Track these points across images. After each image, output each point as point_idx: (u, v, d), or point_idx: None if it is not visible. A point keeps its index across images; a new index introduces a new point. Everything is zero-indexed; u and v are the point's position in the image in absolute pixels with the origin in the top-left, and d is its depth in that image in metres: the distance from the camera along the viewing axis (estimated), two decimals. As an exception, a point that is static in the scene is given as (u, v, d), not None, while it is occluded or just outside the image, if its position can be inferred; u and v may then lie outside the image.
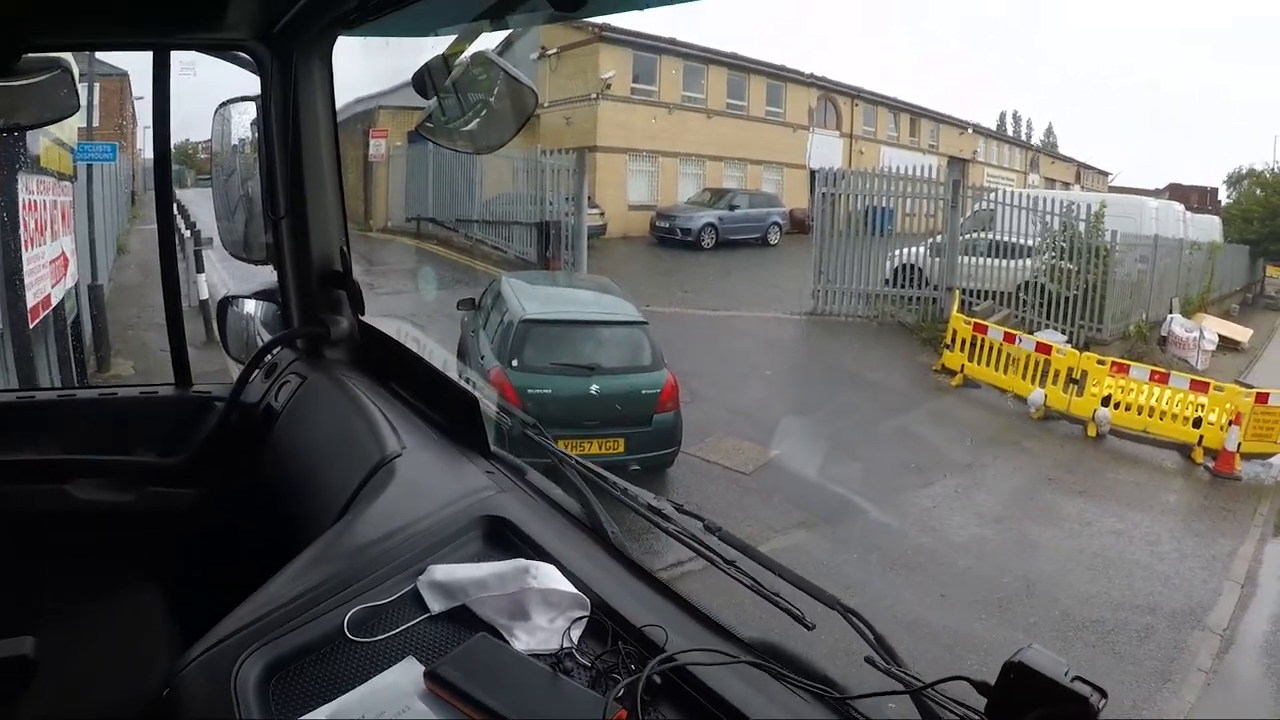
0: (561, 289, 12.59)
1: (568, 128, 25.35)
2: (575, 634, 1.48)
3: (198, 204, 16.95)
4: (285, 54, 2.74)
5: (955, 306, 15.38)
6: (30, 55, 2.50)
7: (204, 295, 13.10)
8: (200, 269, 13.67)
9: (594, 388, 8.72)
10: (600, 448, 8.25)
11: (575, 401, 8.61)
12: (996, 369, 13.81)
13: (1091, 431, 12.39)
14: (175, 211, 3.46)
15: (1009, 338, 13.86)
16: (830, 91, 30.55)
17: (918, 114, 32.50)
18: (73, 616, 1.74)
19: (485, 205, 22.65)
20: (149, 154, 27.34)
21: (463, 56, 1.95)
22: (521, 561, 1.62)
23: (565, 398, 8.65)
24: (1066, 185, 31.83)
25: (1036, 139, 37.24)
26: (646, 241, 25.11)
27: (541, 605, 1.53)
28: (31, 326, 9.04)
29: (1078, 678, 1.11)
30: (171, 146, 3.23)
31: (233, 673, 1.38)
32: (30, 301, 8.92)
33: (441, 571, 1.60)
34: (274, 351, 3.02)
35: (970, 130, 33.28)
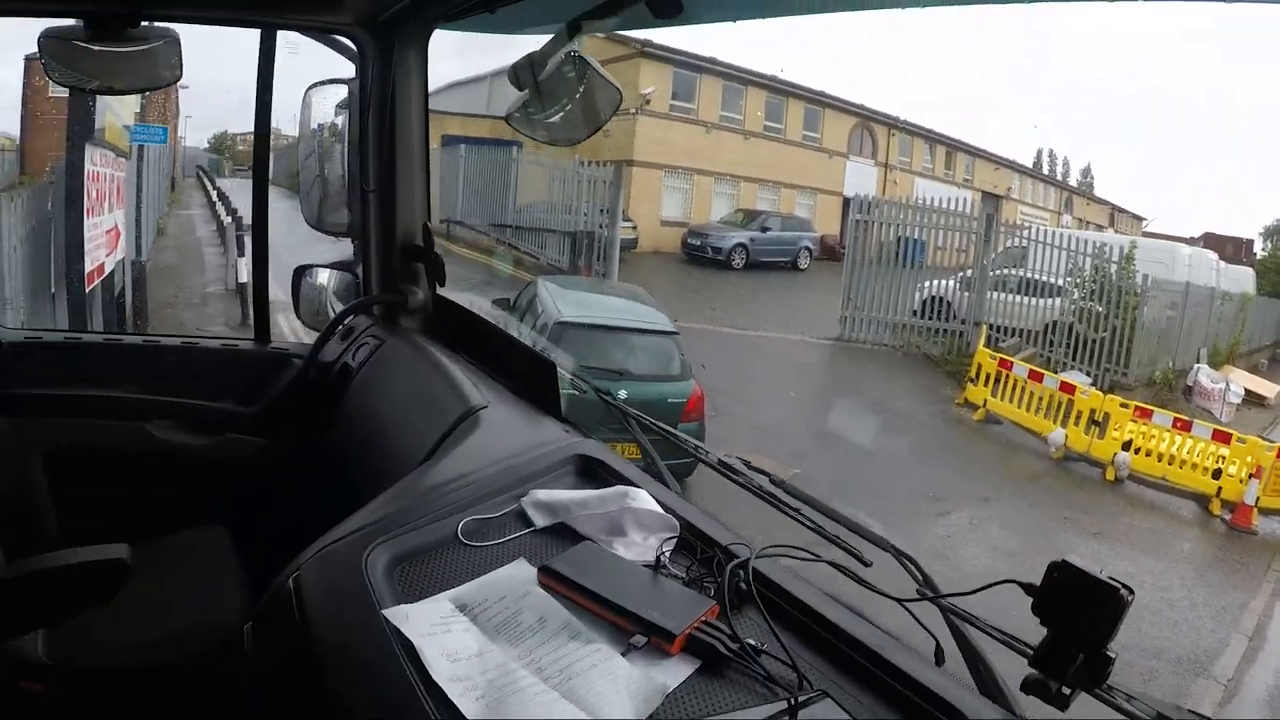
0: (596, 295, 12.61)
1: (605, 140, 25.41)
2: (667, 550, 1.63)
3: (235, 194, 17.57)
4: (387, 41, 2.93)
5: (982, 341, 15.40)
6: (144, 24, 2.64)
7: (243, 279, 13.26)
8: (241, 253, 13.80)
9: (622, 393, 8.45)
10: (624, 451, 7.96)
11: (603, 404, 8.43)
12: (1019, 406, 13.74)
13: (1110, 475, 12.30)
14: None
15: (1034, 375, 13.80)
16: (868, 119, 30.58)
17: (954, 147, 32.41)
18: (144, 547, 1.94)
19: (519, 212, 22.76)
20: (189, 142, 27.75)
21: (557, 55, 2.07)
22: (620, 486, 1.79)
23: (593, 400, 8.45)
24: (1100, 227, 31.51)
25: (1073, 179, 37.03)
26: (677, 258, 25.17)
27: (636, 525, 1.69)
28: (88, 290, 9.48)
29: (1110, 576, 1.22)
30: (271, 127, 3.42)
31: (363, 559, 1.54)
32: (87, 267, 9.42)
33: (544, 494, 1.77)
34: (351, 317, 3.21)
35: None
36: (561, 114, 2.12)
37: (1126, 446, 12.39)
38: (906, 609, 1.52)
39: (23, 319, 8.46)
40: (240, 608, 2.38)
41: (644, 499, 1.74)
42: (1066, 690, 1.25)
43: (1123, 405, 12.81)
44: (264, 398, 3.19)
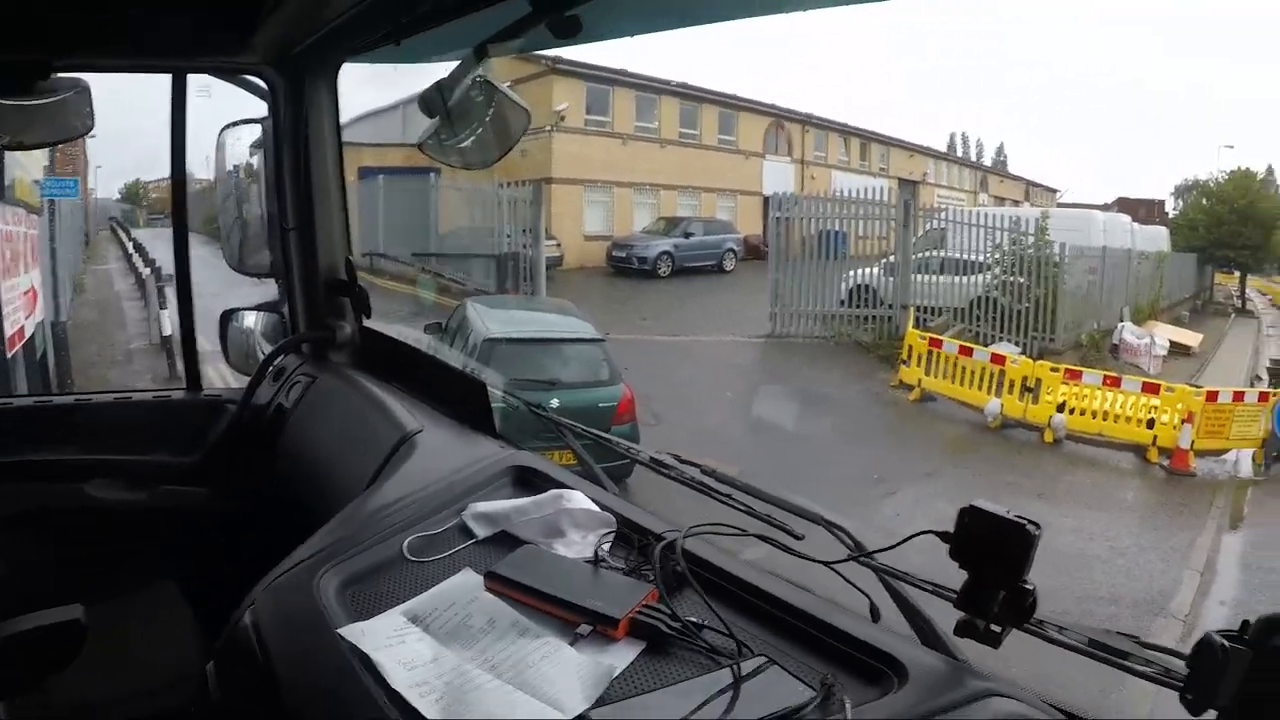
0: (523, 311, 13.14)
1: (523, 160, 25.27)
2: (605, 545, 1.72)
3: (151, 243, 17.24)
4: (297, 78, 2.98)
5: (910, 323, 15.63)
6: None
7: (167, 331, 13.01)
8: (163, 305, 13.60)
9: (554, 402, 8.70)
10: (560, 458, 7.96)
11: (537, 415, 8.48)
12: (953, 382, 13.97)
13: (1048, 437, 12.57)
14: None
15: (964, 351, 14.07)
16: (781, 118, 30.81)
17: (868, 138, 32.75)
18: (95, 608, 1.90)
19: (442, 239, 22.58)
20: (101, 193, 27.21)
21: (464, 80, 2.11)
22: (554, 490, 1.87)
23: (527, 411, 8.46)
24: (1016, 203, 32.19)
25: (987, 159, 37.79)
26: (603, 271, 25.12)
27: (573, 524, 1.77)
28: (9, 356, 9.15)
29: (1017, 515, 1.28)
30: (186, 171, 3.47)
31: (314, 584, 1.61)
32: (7, 331, 9.11)
33: (484, 505, 1.84)
34: (280, 357, 3.22)
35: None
36: (473, 138, 2.18)
37: (1061, 408, 12.68)
38: (836, 571, 1.58)
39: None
40: (199, 656, 2.34)
41: (579, 499, 1.83)
42: (996, 628, 1.31)
43: (1053, 369, 13.15)
44: (201, 446, 3.18)
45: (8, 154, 9.50)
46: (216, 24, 2.70)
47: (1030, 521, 1.27)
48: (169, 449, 3.16)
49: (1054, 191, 34.64)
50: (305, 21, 2.60)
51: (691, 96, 28.79)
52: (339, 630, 1.47)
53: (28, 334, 10.07)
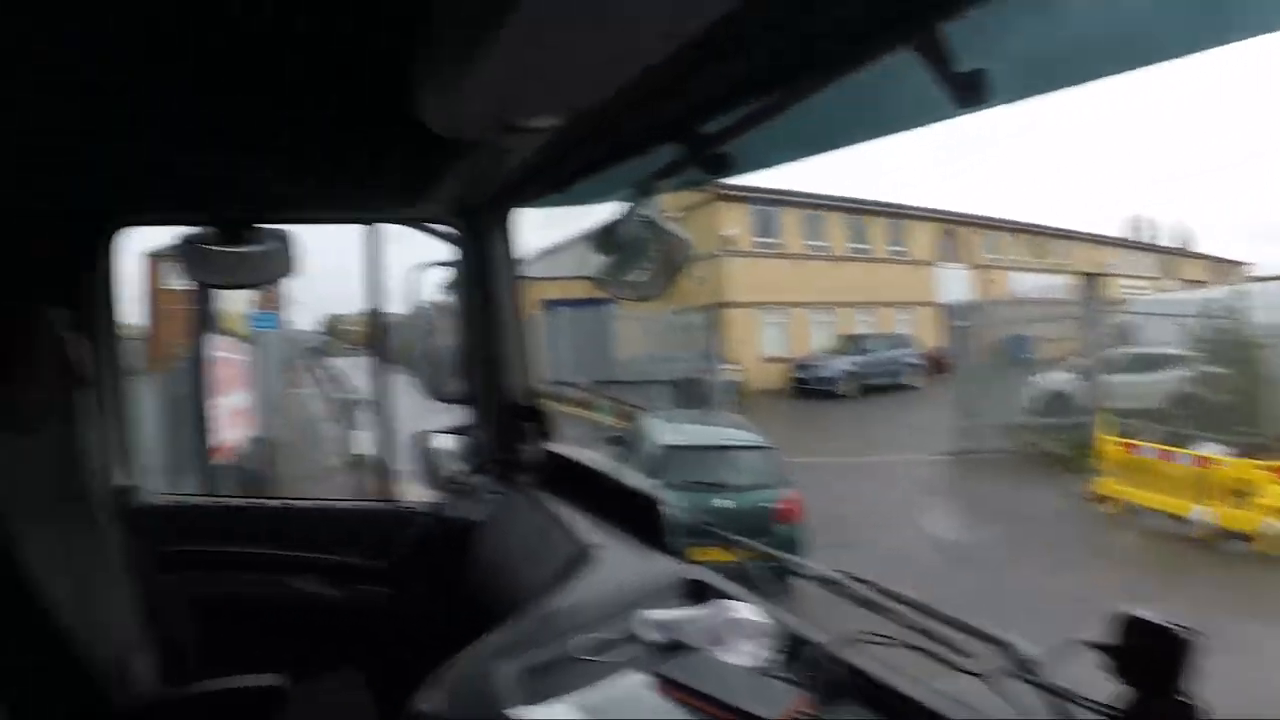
0: (695, 425, 13.56)
1: (698, 286, 25.80)
2: (768, 653, 1.79)
3: (349, 371, 20.23)
4: (475, 225, 3.34)
5: (1103, 428, 14.73)
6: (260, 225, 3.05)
7: (358, 450, 13.87)
8: (356, 427, 14.69)
9: (720, 502, 9.41)
10: (722, 554, 8.06)
11: (704, 514, 8.74)
12: (1154, 490, 12.86)
13: (1269, 548, 11.24)
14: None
15: (1164, 455, 13.09)
16: (950, 222, 30.44)
17: (1039, 233, 32.05)
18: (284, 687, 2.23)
19: (623, 367, 23.29)
20: (298, 324, 29.80)
21: (628, 218, 2.26)
22: (723, 601, 1.96)
23: (696, 511, 8.71)
24: (1206, 284, 30.39)
25: (1165, 240, 35.98)
26: (785, 394, 25.16)
27: (738, 633, 1.84)
28: (219, 464, 10.75)
29: (1180, 624, 1.26)
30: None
31: (489, 673, 1.72)
32: (216, 442, 10.80)
33: (654, 613, 1.94)
34: (471, 476, 3.44)
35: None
36: (640, 271, 2.30)
37: (1280, 513, 11.37)
38: (992, 687, 1.55)
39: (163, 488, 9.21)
40: None
41: (744, 610, 1.89)
42: None
43: (1268, 469, 11.81)
44: (392, 552, 3.43)
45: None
46: (406, 185, 2.97)
47: (1193, 630, 1.25)
48: (364, 552, 3.42)
49: (1242, 265, 32.58)
50: (482, 180, 2.91)
51: (856, 210, 28.85)
52: (508, 711, 1.57)
53: (236, 446, 11.54)
